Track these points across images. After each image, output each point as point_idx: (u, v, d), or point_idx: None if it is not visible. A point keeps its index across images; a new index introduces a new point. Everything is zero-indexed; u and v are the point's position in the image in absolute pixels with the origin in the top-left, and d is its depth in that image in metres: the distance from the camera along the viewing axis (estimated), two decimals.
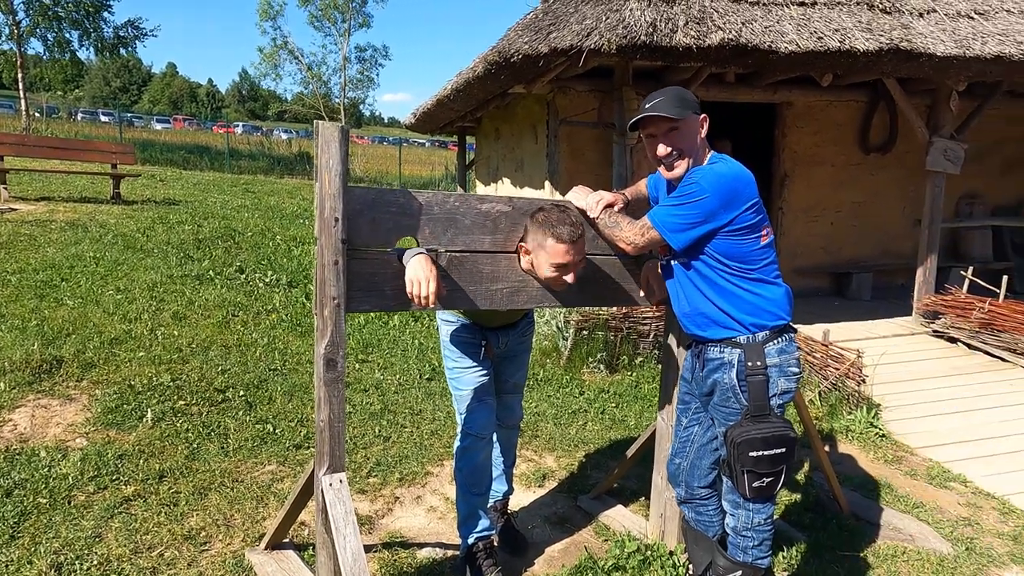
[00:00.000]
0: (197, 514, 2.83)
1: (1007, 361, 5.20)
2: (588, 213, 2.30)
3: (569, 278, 2.21)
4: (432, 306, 2.04)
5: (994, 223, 7.57)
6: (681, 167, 2.13)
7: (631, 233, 2.20)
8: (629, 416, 4.28)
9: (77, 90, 71.74)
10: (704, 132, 2.16)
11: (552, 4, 5.42)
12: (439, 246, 2.16)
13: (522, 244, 2.25)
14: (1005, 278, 5.69)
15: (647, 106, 2.12)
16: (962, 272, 6.16)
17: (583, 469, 3.58)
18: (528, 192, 7.57)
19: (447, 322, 2.66)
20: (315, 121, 1.91)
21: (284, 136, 35.96)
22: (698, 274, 2.15)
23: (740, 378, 2.09)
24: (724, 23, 4.65)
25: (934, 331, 5.81)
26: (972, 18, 5.37)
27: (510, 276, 2.28)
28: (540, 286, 2.33)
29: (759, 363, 2.06)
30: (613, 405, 4.43)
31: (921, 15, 5.26)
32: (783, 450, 2.03)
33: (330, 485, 2.07)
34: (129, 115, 46.06)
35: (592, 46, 4.41)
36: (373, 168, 25.16)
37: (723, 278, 2.10)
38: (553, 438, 3.90)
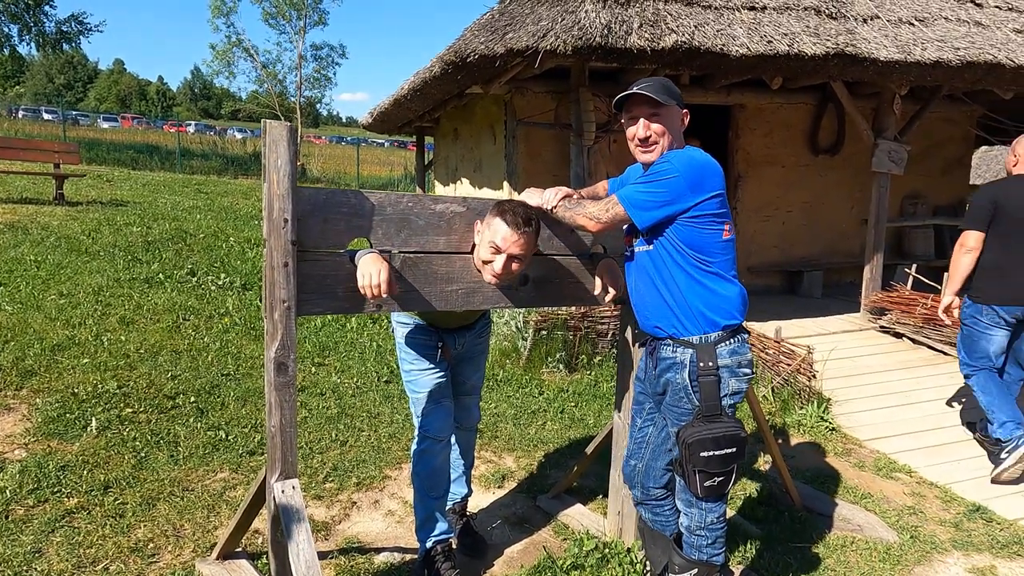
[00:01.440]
0: (145, 525, 2.74)
1: (948, 355, 5.40)
2: (545, 206, 2.27)
3: (498, 265, 2.15)
4: (385, 297, 2.01)
5: (935, 222, 7.87)
6: (655, 152, 2.14)
7: (595, 209, 2.16)
8: (588, 415, 4.31)
9: (18, 87, 68.90)
10: (683, 126, 2.20)
11: (508, 4, 5.43)
12: (392, 247, 2.14)
13: (478, 221, 2.25)
14: (946, 275, 5.91)
15: (635, 88, 2.13)
16: (906, 270, 6.39)
17: (542, 469, 3.59)
18: (487, 193, 7.56)
19: (402, 324, 2.63)
20: (263, 120, 1.86)
21: (239, 135, 35.19)
22: (658, 263, 2.15)
23: (692, 378, 2.10)
24: (677, 26, 4.72)
25: (881, 327, 6.01)
26: (913, 25, 5.56)
27: (465, 277, 2.27)
28: (496, 287, 2.32)
29: (711, 363, 2.08)
30: (572, 404, 4.45)
31: (865, 21, 5.43)
32: (734, 449, 2.06)
33: (282, 492, 2.03)
34: (74, 113, 44.44)
35: (548, 47, 4.43)
36: (331, 168, 24.78)
37: (681, 268, 2.10)
38: (512, 438, 3.90)
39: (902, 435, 4.21)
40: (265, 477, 2.13)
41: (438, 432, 2.59)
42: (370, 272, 1.98)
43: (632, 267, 2.29)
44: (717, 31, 4.83)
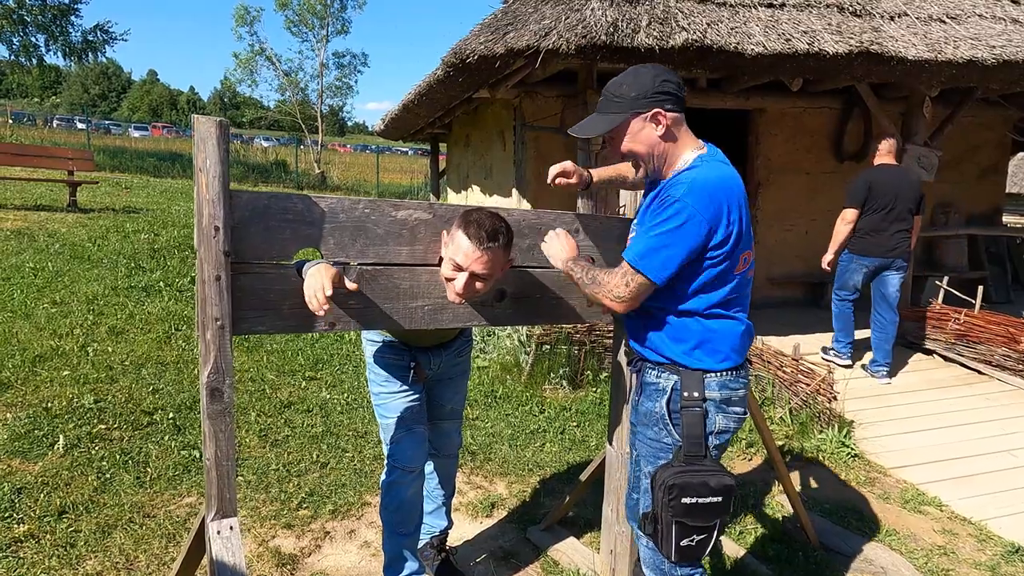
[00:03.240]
0: (96, 556, 2.54)
1: (983, 374, 5.03)
2: (558, 263, 1.97)
3: (459, 284, 1.90)
4: (340, 313, 1.78)
5: (969, 232, 7.45)
6: (643, 170, 1.87)
7: (613, 286, 1.77)
8: (591, 436, 4.04)
9: (55, 97, 70.78)
10: (662, 128, 1.76)
11: (512, 4, 5.22)
12: (348, 259, 1.91)
13: (444, 232, 1.98)
14: (980, 288, 5.55)
15: (574, 129, 1.89)
16: (937, 282, 6.01)
17: (536, 496, 3.33)
18: (497, 200, 7.35)
19: (371, 342, 2.40)
20: (192, 116, 1.65)
21: (264, 144, 35.58)
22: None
23: (673, 408, 1.81)
24: (689, 24, 4.46)
25: (909, 342, 5.64)
26: (944, 22, 5.23)
27: (432, 292, 2.03)
28: (467, 304, 2.08)
29: (695, 394, 1.78)
30: (574, 424, 4.18)
31: (892, 19, 5.11)
32: (719, 499, 1.74)
33: (218, 533, 1.80)
34: (107, 122, 45.44)
35: (550, 46, 4.19)
36: (351, 176, 24.84)
37: (680, 301, 1.79)
38: (507, 461, 3.65)
39: (932, 463, 3.86)
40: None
41: (408, 462, 2.35)
42: (316, 288, 1.75)
43: None
44: (731, 29, 4.56)
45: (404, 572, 2.36)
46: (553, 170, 2.11)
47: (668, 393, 1.82)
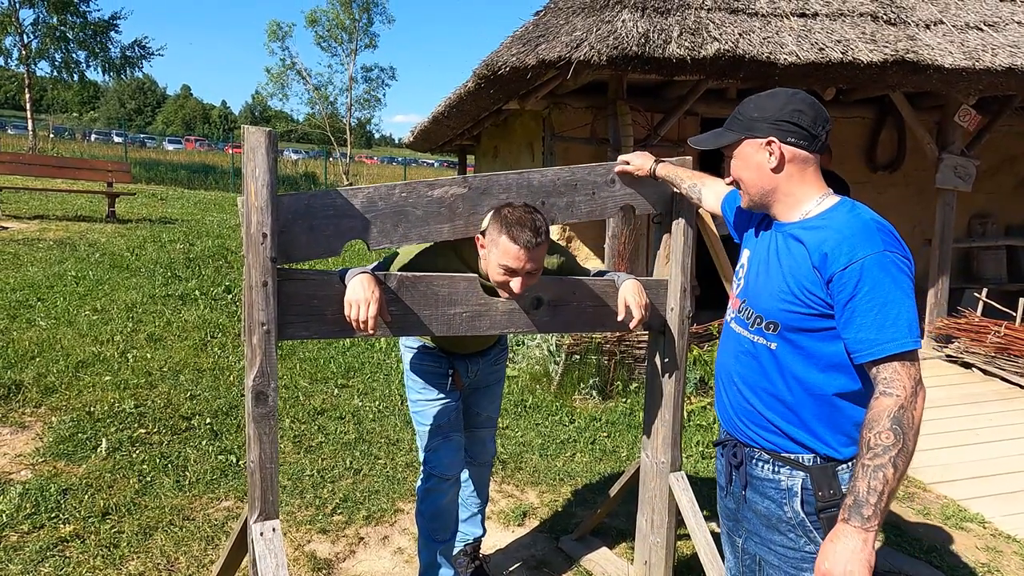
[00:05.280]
0: (138, 557, 2.60)
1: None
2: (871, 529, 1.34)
3: (515, 286, 1.90)
4: (374, 332, 1.81)
5: (1008, 243, 7.28)
6: (745, 199, 1.61)
7: (911, 400, 1.33)
8: (621, 447, 4.02)
9: (93, 112, 72.85)
10: (774, 159, 1.50)
11: (544, 16, 5.26)
12: (391, 243, 1.94)
13: (479, 236, 1.99)
14: (1022, 300, 5.41)
15: (699, 138, 1.68)
16: (976, 294, 5.89)
17: (568, 506, 3.32)
18: None
19: (409, 348, 2.43)
20: (243, 127, 1.70)
21: (294, 156, 36.19)
22: (785, 363, 1.51)
23: (809, 511, 1.49)
24: (720, 34, 4.46)
25: (947, 356, 5.52)
26: (981, 30, 5.15)
27: (470, 299, 2.06)
28: (504, 311, 2.10)
29: (832, 491, 1.46)
30: (604, 435, 4.17)
31: (928, 26, 5.05)
32: None
33: (261, 534, 1.84)
34: (142, 136, 46.61)
35: (581, 57, 4.22)
36: None
37: (830, 375, 1.47)
38: (538, 471, 3.64)
39: (973, 479, 3.77)
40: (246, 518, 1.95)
41: (445, 470, 2.36)
42: (357, 302, 1.77)
43: (730, 343, 1.69)
44: (764, 39, 4.55)
45: (433, 562, 2.38)
46: (620, 159, 2.16)
47: (799, 494, 1.50)
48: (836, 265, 1.39)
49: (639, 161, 2.19)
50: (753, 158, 1.54)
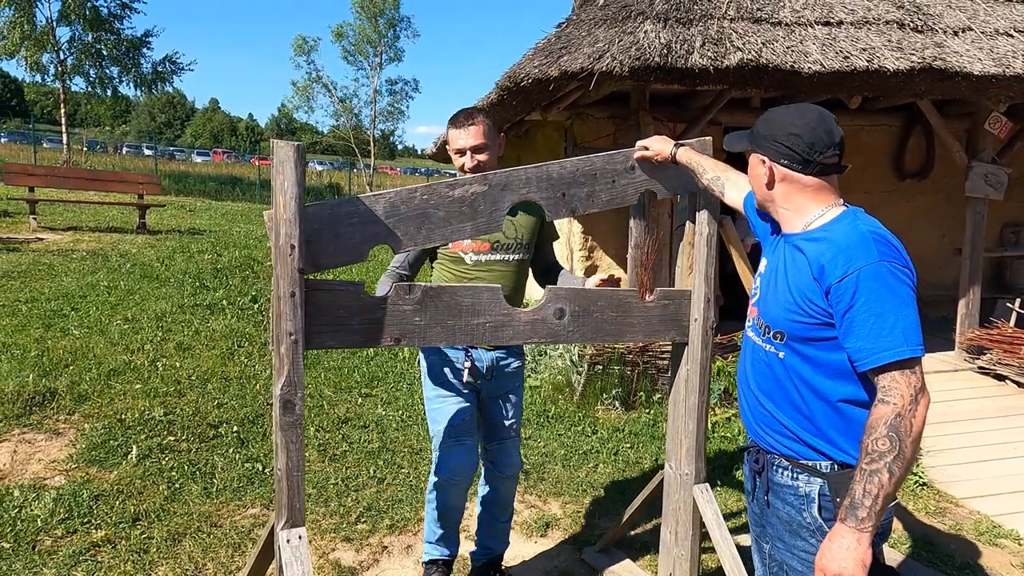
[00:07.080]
0: (167, 563, 2.64)
1: None
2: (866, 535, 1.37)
3: (467, 161, 2.32)
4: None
5: None
6: (755, 199, 1.71)
7: (911, 406, 1.35)
8: (644, 458, 4.00)
9: (124, 125, 74.64)
10: (766, 175, 1.57)
11: (566, 28, 5.29)
12: (415, 245, 1.98)
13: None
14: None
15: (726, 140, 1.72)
16: (1008, 304, 5.76)
17: (591, 517, 3.31)
18: None
19: None
20: (272, 140, 1.75)
21: (318, 167, 36.73)
22: (794, 371, 1.54)
23: (827, 517, 1.51)
24: (743, 44, 4.44)
25: (979, 367, 5.41)
26: (1011, 36, 5.07)
27: (493, 309, 2.07)
28: (527, 320, 2.11)
29: None
30: (627, 446, 4.15)
31: (956, 33, 4.98)
32: None
33: (287, 541, 1.86)
34: (171, 149, 47.63)
35: (604, 68, 4.24)
36: None
37: (838, 383, 1.49)
38: (560, 481, 3.64)
39: (1007, 494, 3.68)
40: (273, 525, 1.98)
41: (453, 474, 2.40)
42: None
43: (747, 352, 1.72)
44: (788, 48, 4.53)
45: (436, 554, 2.54)
46: (638, 144, 2.17)
47: (816, 500, 1.52)
48: (833, 276, 1.43)
49: (659, 145, 2.13)
50: (755, 169, 1.62)
